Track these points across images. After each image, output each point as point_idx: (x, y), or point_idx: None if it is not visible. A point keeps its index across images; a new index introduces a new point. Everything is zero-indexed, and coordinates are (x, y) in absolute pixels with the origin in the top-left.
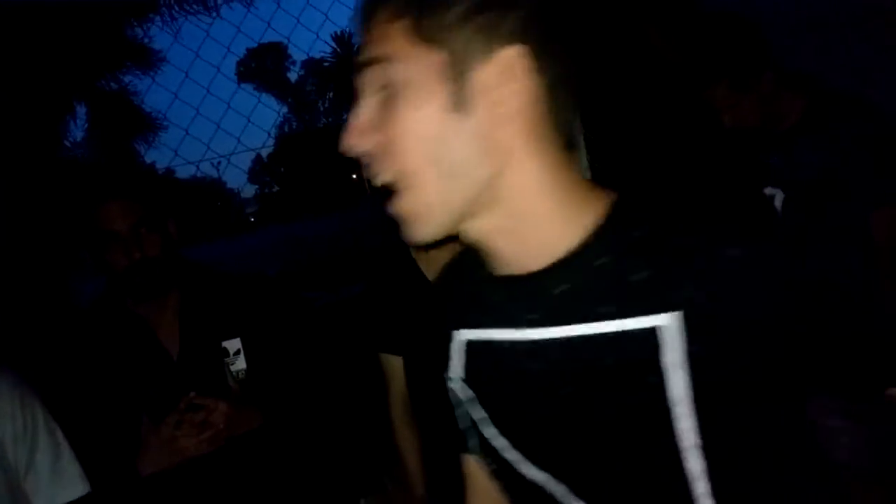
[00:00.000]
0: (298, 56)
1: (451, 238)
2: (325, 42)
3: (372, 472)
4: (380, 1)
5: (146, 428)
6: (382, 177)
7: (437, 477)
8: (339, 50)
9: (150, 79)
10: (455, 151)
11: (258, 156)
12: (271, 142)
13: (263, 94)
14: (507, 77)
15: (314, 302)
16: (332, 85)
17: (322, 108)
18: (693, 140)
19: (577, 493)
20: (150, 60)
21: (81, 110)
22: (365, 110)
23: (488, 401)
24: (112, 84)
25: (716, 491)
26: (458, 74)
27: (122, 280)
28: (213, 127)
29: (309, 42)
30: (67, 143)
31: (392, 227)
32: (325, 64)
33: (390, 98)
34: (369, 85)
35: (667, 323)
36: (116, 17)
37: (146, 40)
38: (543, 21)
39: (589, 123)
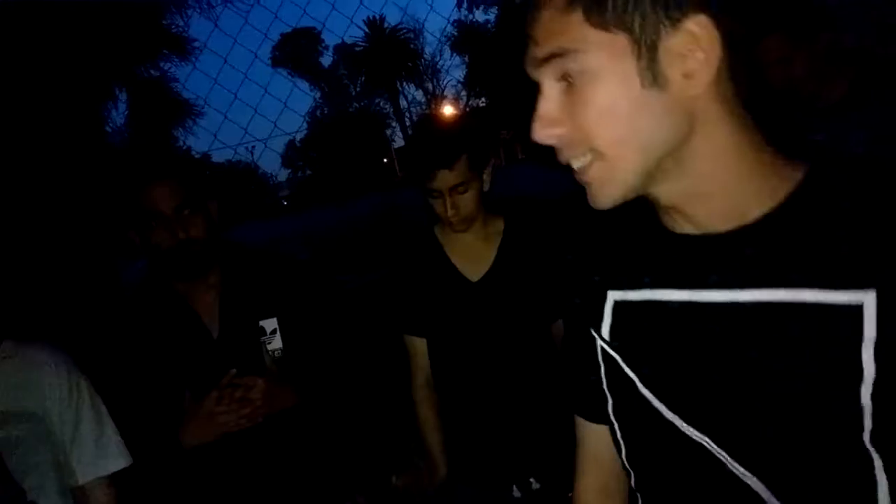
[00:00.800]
0: (331, 41)
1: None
2: (358, 27)
3: (402, 450)
4: None
5: (188, 403)
6: (578, 160)
7: (460, 456)
8: (371, 35)
9: (188, 65)
10: (650, 123)
11: (291, 140)
12: (304, 126)
13: (297, 79)
14: (696, 45)
15: (345, 285)
16: (364, 70)
17: (354, 93)
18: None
19: (738, 458)
20: (184, 48)
21: (122, 98)
22: (549, 101)
23: (643, 362)
24: (152, 71)
25: (890, 474)
26: (645, 51)
27: (166, 260)
28: (247, 112)
29: (342, 27)
30: (109, 129)
31: (424, 210)
32: (357, 49)
33: (577, 87)
34: (549, 78)
35: (868, 300)
36: (154, 6)
37: (185, 28)
38: None
39: None
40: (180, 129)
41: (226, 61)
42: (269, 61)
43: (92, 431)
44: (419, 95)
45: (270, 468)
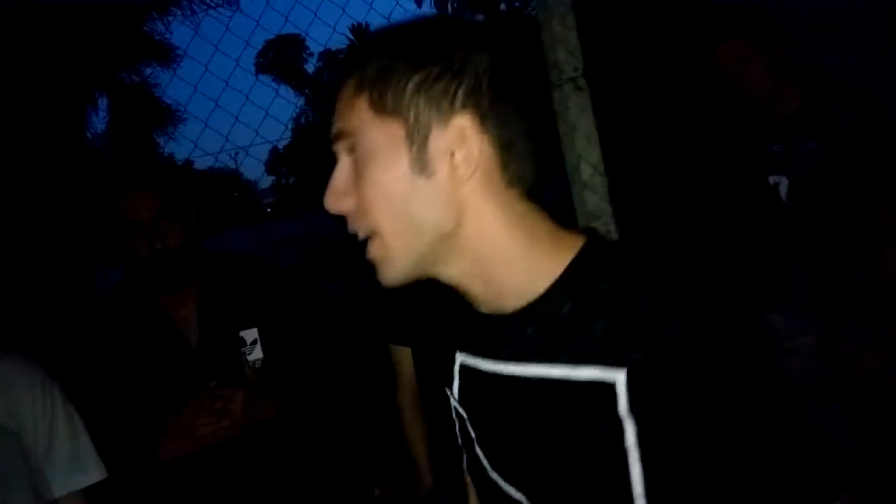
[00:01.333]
0: (315, 48)
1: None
2: (342, 34)
3: (385, 462)
4: (343, 79)
5: (166, 415)
6: (361, 231)
7: (445, 466)
8: (355, 42)
9: (170, 71)
10: (419, 208)
11: (275, 147)
12: (288, 133)
13: (281, 86)
14: (461, 141)
15: (329, 292)
16: None
17: None
18: (701, 131)
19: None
20: (167, 54)
21: (103, 103)
22: (340, 175)
23: (477, 422)
24: (133, 77)
25: None
26: (417, 141)
27: (144, 269)
28: (230, 119)
29: (326, 34)
30: (89, 135)
31: None
32: (341, 56)
33: (360, 163)
34: (342, 151)
35: (620, 378)
36: (135, 12)
37: (167, 34)
38: (490, 88)
39: (603, 119)
40: (162, 135)
41: (206, 69)
42: (253, 68)
43: (66, 445)
44: None
45: (250, 481)
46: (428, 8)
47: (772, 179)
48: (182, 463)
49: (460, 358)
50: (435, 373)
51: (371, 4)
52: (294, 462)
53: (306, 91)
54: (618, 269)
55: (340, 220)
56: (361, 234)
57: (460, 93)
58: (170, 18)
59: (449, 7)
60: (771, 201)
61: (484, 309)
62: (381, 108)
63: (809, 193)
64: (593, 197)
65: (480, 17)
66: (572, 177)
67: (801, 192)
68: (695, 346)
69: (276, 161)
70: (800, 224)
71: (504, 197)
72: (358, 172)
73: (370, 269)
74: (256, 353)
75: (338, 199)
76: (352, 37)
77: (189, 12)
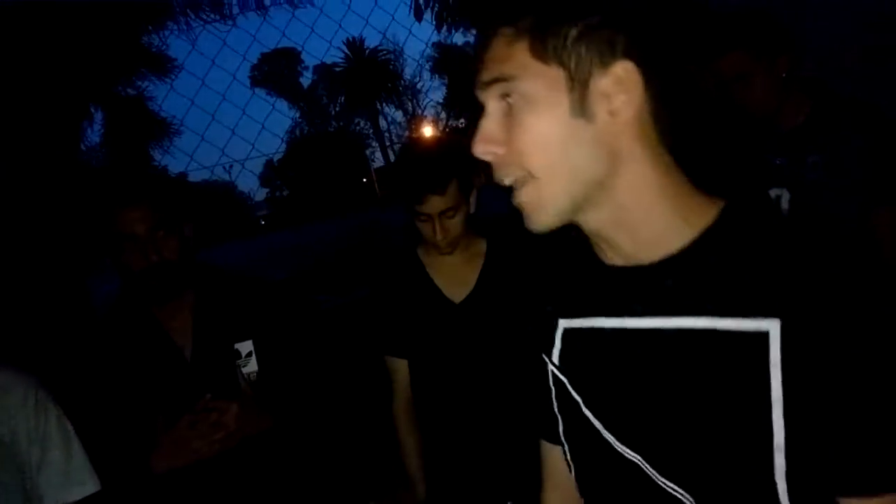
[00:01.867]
0: (311, 61)
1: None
2: (338, 48)
3: (380, 475)
4: (498, 24)
5: (161, 427)
6: (509, 178)
7: (439, 480)
8: (350, 56)
9: (166, 85)
10: (577, 152)
11: (269, 160)
12: (283, 146)
13: (276, 99)
14: (620, 88)
15: (323, 305)
16: (344, 90)
17: (333, 113)
18: (701, 141)
19: (667, 475)
20: (164, 67)
21: (98, 116)
22: (491, 121)
23: (586, 385)
24: (129, 90)
25: (793, 496)
26: (577, 86)
27: (139, 282)
28: (225, 132)
29: (321, 47)
30: (84, 148)
31: (406, 230)
32: (337, 70)
33: (515, 109)
34: (493, 99)
35: (773, 328)
36: (133, 24)
37: (163, 48)
38: (649, 40)
39: None
40: (157, 148)
41: (203, 82)
42: (248, 81)
43: (59, 457)
44: (399, 116)
45: (245, 494)
46: (428, 24)
47: (773, 192)
48: (176, 476)
49: (565, 323)
50: (529, 343)
51: (367, 19)
52: (289, 475)
53: (301, 104)
54: (764, 225)
55: (333, 234)
56: (510, 181)
57: (620, 42)
58: (166, 32)
59: (448, 24)
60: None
61: (618, 261)
62: (542, 54)
63: (810, 208)
64: None
65: (474, 31)
66: None
67: (802, 206)
68: (851, 299)
69: (270, 174)
70: None
71: (656, 147)
72: (513, 117)
73: (366, 281)
74: (251, 366)
75: (487, 144)
76: (347, 51)
77: (185, 27)
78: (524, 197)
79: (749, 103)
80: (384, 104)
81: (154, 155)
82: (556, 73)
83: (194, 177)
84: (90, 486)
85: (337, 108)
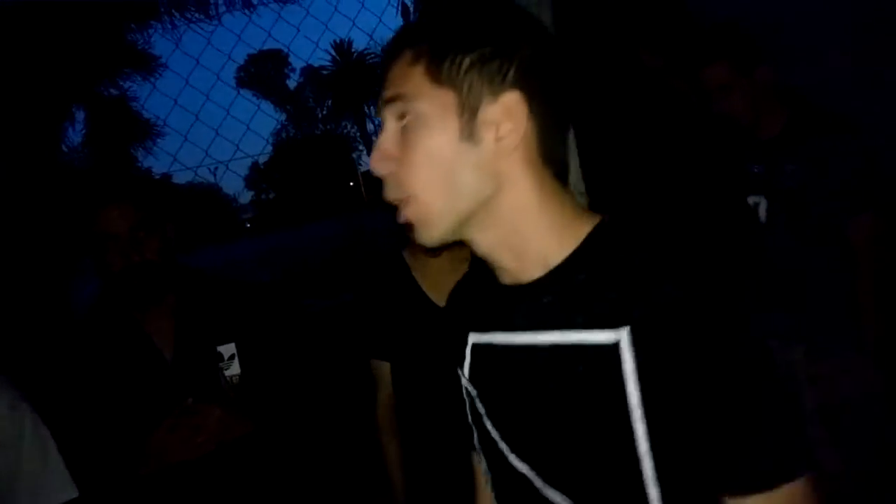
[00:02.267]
0: (297, 63)
1: (449, 246)
2: (325, 51)
3: (361, 479)
4: (401, 47)
5: (140, 431)
6: (399, 193)
7: (419, 485)
8: (338, 58)
9: (149, 85)
10: (463, 172)
11: (255, 162)
12: (269, 148)
13: (262, 101)
14: (508, 116)
15: (309, 308)
16: (331, 93)
17: (320, 116)
18: (682, 151)
19: (552, 484)
20: (150, 66)
21: (80, 116)
22: (387, 138)
23: (486, 397)
24: (112, 90)
25: (665, 496)
26: (467, 111)
27: (119, 282)
28: (210, 133)
29: (309, 49)
30: (65, 148)
31: (393, 233)
32: (324, 72)
33: (409, 129)
34: (391, 117)
35: (623, 337)
36: (117, 23)
37: (147, 47)
38: (539, 72)
39: (582, 139)
40: (140, 149)
41: (187, 82)
42: (235, 82)
43: (36, 464)
44: None
45: (226, 498)
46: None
47: (751, 200)
48: (156, 480)
49: (473, 338)
50: (436, 360)
51: (353, 21)
52: (270, 479)
53: (288, 106)
54: (631, 241)
55: (320, 237)
56: (399, 197)
57: (511, 73)
58: (150, 32)
59: None
60: (750, 221)
61: (506, 279)
62: (437, 77)
63: (787, 215)
64: None
65: None
66: None
67: (779, 214)
68: (692, 303)
69: (256, 176)
70: (777, 244)
71: (540, 172)
72: (405, 137)
73: (354, 283)
74: (234, 369)
75: (383, 160)
76: (334, 53)
77: (169, 26)
78: (409, 214)
79: (730, 112)
80: (372, 107)
81: (137, 156)
82: (448, 97)
83: (179, 178)
84: (68, 493)
85: (324, 111)
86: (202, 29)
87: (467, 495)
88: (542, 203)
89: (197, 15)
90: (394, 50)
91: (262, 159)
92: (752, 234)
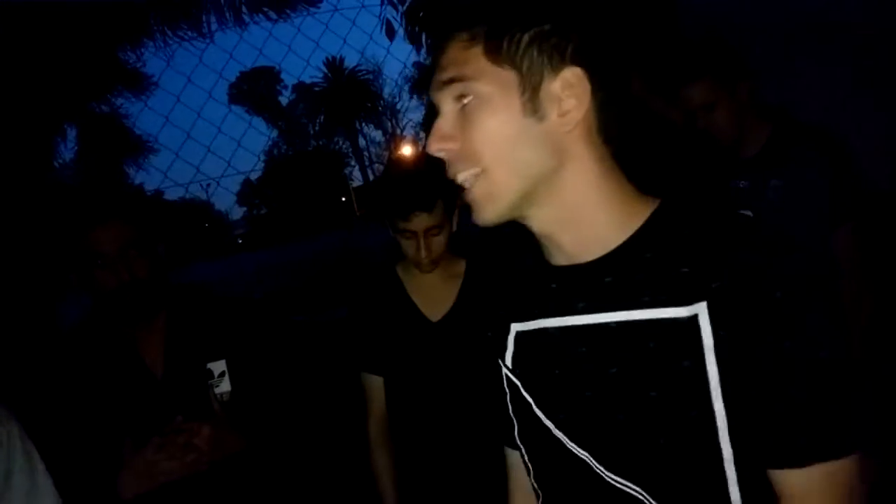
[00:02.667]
0: (290, 80)
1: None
2: (317, 68)
3: (353, 495)
4: (455, 28)
5: (129, 449)
6: (462, 173)
7: (414, 498)
8: (329, 75)
9: (141, 102)
10: (526, 149)
11: (247, 179)
12: (261, 165)
13: (254, 118)
14: (569, 92)
15: (300, 324)
16: (323, 109)
17: (312, 132)
18: (667, 169)
19: (616, 471)
20: (142, 84)
21: (72, 132)
22: (446, 120)
23: (536, 386)
24: (103, 107)
25: (741, 478)
26: (529, 88)
27: (111, 301)
28: (202, 149)
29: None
30: (56, 165)
31: (385, 249)
32: (316, 89)
33: (470, 109)
34: (448, 99)
35: (702, 311)
36: (109, 41)
37: (139, 65)
38: (596, 49)
39: None
40: (132, 166)
41: (178, 99)
42: (227, 99)
43: (23, 483)
44: (378, 135)
45: None
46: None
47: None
48: (144, 500)
49: (516, 327)
50: (485, 350)
51: (345, 38)
52: (261, 498)
53: (280, 123)
54: (694, 220)
55: (312, 253)
56: (462, 177)
57: (570, 49)
58: (142, 50)
59: (423, 42)
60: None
61: (562, 261)
62: (496, 57)
63: (773, 228)
64: None
65: None
66: None
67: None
68: (769, 270)
69: (248, 192)
70: None
71: (601, 150)
72: (466, 117)
73: (347, 298)
74: (224, 386)
75: (442, 141)
76: (325, 70)
77: (162, 44)
78: (476, 190)
79: (713, 130)
80: (363, 123)
81: (129, 172)
82: (509, 76)
83: (171, 194)
84: None
85: (316, 128)
86: (194, 47)
87: None
88: (603, 180)
89: (189, 33)
90: (446, 33)
91: (254, 175)
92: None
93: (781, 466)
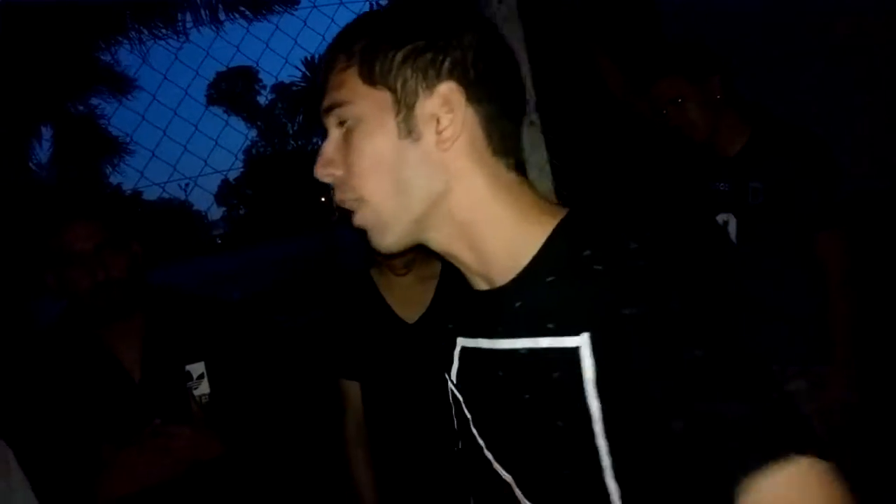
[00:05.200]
0: (268, 80)
1: (411, 259)
2: (295, 67)
3: (333, 499)
4: (333, 53)
5: (107, 453)
6: (347, 199)
7: (390, 501)
8: (308, 74)
9: (116, 102)
10: (407, 171)
11: (225, 178)
12: (239, 164)
13: (232, 117)
14: (446, 108)
15: (281, 325)
16: (302, 109)
17: (291, 132)
18: (644, 169)
19: (528, 495)
20: (121, 85)
21: (47, 132)
22: (330, 145)
23: (472, 403)
24: (80, 107)
25: None
26: (404, 108)
27: (86, 301)
28: (180, 149)
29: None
30: (32, 166)
31: (360, 249)
32: (294, 88)
33: (349, 133)
34: (332, 125)
35: (584, 342)
36: (86, 41)
37: (113, 63)
38: (476, 61)
39: (555, 154)
40: (108, 166)
41: (154, 98)
42: (204, 99)
43: (1, 486)
44: None
45: None
46: None
47: (720, 217)
48: (123, 503)
49: (461, 342)
50: (434, 362)
51: (324, 36)
52: (240, 501)
53: (258, 123)
54: (597, 238)
55: (291, 253)
56: (348, 204)
57: (446, 64)
58: (116, 48)
59: None
60: (722, 238)
61: (481, 284)
62: (370, 78)
63: (756, 233)
64: None
65: None
66: None
67: (747, 231)
68: (664, 284)
69: (226, 192)
70: (747, 262)
71: (490, 165)
72: (347, 142)
73: (323, 302)
74: (203, 388)
75: (326, 167)
76: (304, 69)
77: (137, 42)
78: (361, 220)
79: (685, 126)
80: None
81: (106, 173)
82: (383, 96)
83: (148, 194)
84: None
85: (295, 128)
86: (171, 46)
87: None
88: (497, 197)
89: (164, 31)
90: (329, 58)
91: (232, 175)
92: (725, 250)
93: (732, 483)
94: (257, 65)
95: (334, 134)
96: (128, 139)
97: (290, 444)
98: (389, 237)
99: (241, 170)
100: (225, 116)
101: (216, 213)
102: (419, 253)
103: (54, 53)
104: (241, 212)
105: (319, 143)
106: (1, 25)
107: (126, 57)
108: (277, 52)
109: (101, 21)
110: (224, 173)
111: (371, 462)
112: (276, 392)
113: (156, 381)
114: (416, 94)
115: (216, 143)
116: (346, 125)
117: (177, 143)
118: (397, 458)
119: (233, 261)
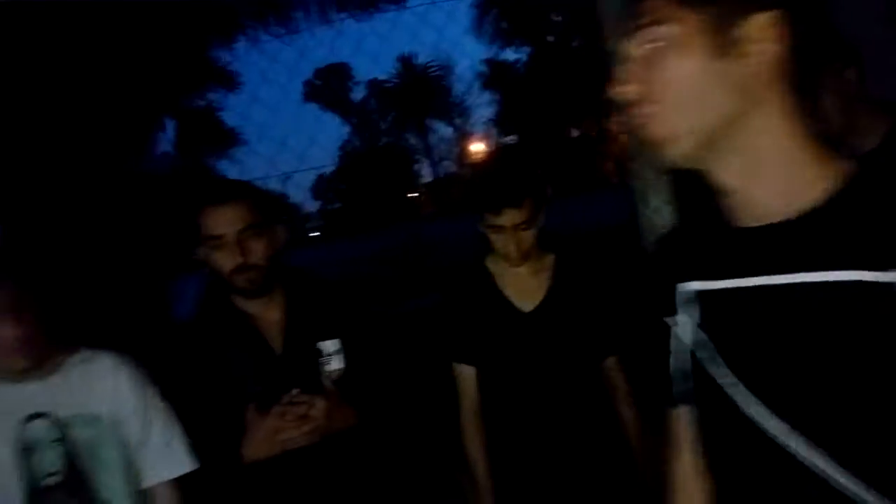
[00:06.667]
0: (363, 78)
1: (535, 255)
2: (389, 64)
3: (450, 480)
4: None
5: (252, 416)
6: (643, 115)
7: (507, 489)
8: (402, 71)
9: (230, 97)
10: (712, 91)
11: (321, 173)
12: (336, 159)
13: (327, 113)
14: (759, 36)
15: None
16: (395, 105)
17: (383, 128)
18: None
19: (801, 430)
20: (232, 81)
21: (170, 125)
22: (634, 64)
23: (730, 348)
24: (199, 101)
25: None
26: (719, 31)
27: (228, 281)
28: (278, 142)
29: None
30: (158, 155)
31: (460, 243)
32: (388, 85)
33: (658, 52)
34: (638, 45)
35: None
36: (201, 39)
37: (228, 63)
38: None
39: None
40: (220, 157)
41: (255, 95)
42: (302, 96)
43: (161, 435)
44: (448, 132)
45: (326, 488)
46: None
47: None
48: (262, 466)
49: (698, 286)
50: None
51: (441, 33)
52: (367, 473)
53: (352, 118)
54: (891, 188)
55: (384, 246)
56: (642, 119)
57: None
58: (233, 46)
59: (493, 36)
60: None
61: (751, 222)
62: (687, 1)
63: None
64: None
65: (527, 48)
66: (640, 204)
67: None
68: None
69: (322, 186)
70: None
71: (790, 98)
72: (653, 60)
73: (437, 289)
74: (336, 364)
75: (627, 83)
76: (399, 66)
77: (254, 41)
78: (655, 130)
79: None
80: (433, 120)
81: (215, 164)
82: (700, 19)
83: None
84: (188, 465)
85: (387, 124)
86: (283, 44)
87: (557, 496)
88: (794, 132)
89: (278, 29)
90: None
91: (328, 170)
92: None
93: None
94: (349, 66)
95: (638, 53)
96: (239, 132)
97: (412, 421)
98: (679, 150)
99: (336, 164)
100: (323, 113)
101: (312, 206)
102: (534, 247)
103: (172, 50)
104: (336, 205)
105: (411, 139)
106: (119, 24)
107: (224, 54)
108: (372, 50)
109: (217, 19)
110: (322, 169)
111: (486, 447)
112: (399, 372)
113: (295, 353)
114: (732, 19)
115: (313, 139)
116: (655, 44)
117: (276, 138)
118: (513, 443)
119: (328, 253)
